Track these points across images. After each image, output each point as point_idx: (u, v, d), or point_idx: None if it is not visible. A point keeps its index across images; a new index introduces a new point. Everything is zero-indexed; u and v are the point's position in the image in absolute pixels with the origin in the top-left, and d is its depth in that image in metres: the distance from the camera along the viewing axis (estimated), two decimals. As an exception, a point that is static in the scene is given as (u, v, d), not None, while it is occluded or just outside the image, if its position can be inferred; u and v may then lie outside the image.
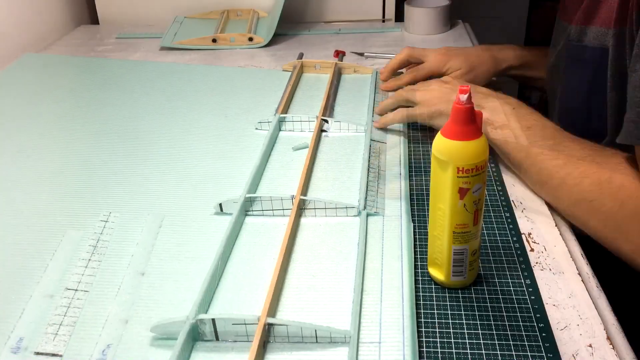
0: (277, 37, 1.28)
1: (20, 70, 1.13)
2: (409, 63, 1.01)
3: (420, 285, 0.58)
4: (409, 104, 0.85)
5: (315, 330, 0.51)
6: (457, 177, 0.51)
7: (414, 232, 0.65)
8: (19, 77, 1.10)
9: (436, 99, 0.81)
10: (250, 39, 1.26)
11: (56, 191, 0.75)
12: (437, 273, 0.57)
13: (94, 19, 1.48)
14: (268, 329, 0.51)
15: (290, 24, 1.37)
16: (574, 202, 0.65)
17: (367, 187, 0.71)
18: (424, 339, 0.52)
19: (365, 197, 0.69)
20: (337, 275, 0.59)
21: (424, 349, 0.51)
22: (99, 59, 1.20)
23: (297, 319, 0.53)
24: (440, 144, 0.51)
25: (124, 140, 0.87)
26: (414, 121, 0.84)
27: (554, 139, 0.70)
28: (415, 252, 0.62)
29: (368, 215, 0.67)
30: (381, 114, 0.88)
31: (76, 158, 0.82)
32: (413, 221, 0.66)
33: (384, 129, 0.85)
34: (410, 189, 0.72)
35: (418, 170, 0.76)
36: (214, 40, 1.25)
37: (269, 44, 1.26)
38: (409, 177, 0.74)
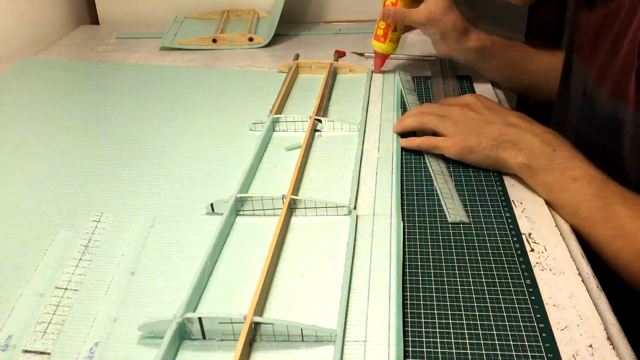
0: (278, 37, 1.28)
1: (17, 75, 1.14)
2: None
3: (409, 285, 0.58)
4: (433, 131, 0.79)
5: (302, 329, 0.51)
6: None
7: (404, 231, 0.65)
8: (16, 82, 1.11)
9: (464, 133, 0.74)
10: (251, 39, 1.26)
11: (49, 192, 0.75)
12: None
13: (94, 19, 1.48)
14: (254, 328, 0.52)
15: (290, 24, 1.37)
16: (627, 278, 0.62)
17: (358, 186, 0.71)
18: (416, 339, 0.52)
19: (356, 197, 0.69)
20: (325, 274, 0.59)
21: (421, 349, 0.51)
22: (96, 63, 1.20)
23: (285, 318, 0.53)
24: None
25: (118, 141, 0.87)
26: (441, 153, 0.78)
27: (604, 198, 0.64)
28: (404, 251, 0.62)
29: (358, 214, 0.67)
30: (400, 133, 0.83)
31: (69, 159, 0.83)
32: (403, 220, 0.66)
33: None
34: (401, 188, 0.72)
35: (409, 169, 0.76)
36: (214, 41, 1.26)
37: (269, 44, 1.26)
38: (400, 176, 0.74)
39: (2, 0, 1.21)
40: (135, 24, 1.43)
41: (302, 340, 0.51)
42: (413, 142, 0.79)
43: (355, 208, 0.68)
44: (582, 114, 0.81)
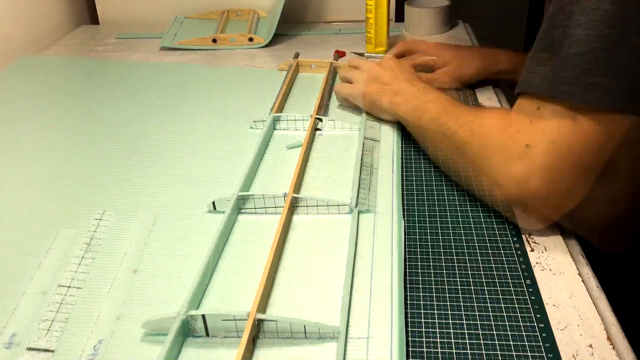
0: (277, 37, 1.28)
1: (17, 72, 1.14)
2: (403, 56, 1.03)
3: (409, 285, 0.58)
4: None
5: (305, 326, 0.51)
6: None
7: (405, 229, 0.65)
8: (16, 79, 1.11)
9: (362, 81, 0.85)
10: (251, 39, 1.26)
11: (51, 190, 0.75)
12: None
13: (94, 19, 1.48)
14: (258, 325, 0.52)
15: (290, 24, 1.37)
16: (451, 151, 0.69)
17: (359, 184, 0.71)
18: (416, 339, 0.52)
19: (357, 195, 0.69)
20: (327, 272, 0.59)
21: (421, 348, 0.51)
22: (96, 61, 1.20)
23: (288, 315, 0.54)
24: None
25: (119, 139, 0.87)
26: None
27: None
28: (405, 249, 0.62)
29: (360, 212, 0.67)
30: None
31: (72, 157, 0.83)
32: (404, 219, 0.66)
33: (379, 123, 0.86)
34: (402, 186, 0.72)
35: (410, 168, 0.76)
36: (214, 41, 1.26)
37: (269, 44, 1.26)
38: (401, 174, 0.74)
39: (2, 1, 1.21)
40: (135, 24, 1.43)
41: (305, 337, 0.52)
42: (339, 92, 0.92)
43: (356, 206, 0.68)
44: None
